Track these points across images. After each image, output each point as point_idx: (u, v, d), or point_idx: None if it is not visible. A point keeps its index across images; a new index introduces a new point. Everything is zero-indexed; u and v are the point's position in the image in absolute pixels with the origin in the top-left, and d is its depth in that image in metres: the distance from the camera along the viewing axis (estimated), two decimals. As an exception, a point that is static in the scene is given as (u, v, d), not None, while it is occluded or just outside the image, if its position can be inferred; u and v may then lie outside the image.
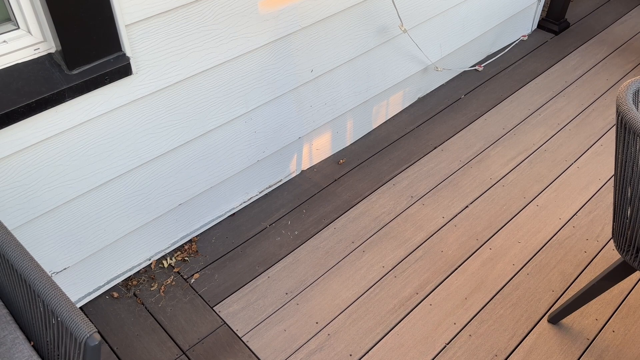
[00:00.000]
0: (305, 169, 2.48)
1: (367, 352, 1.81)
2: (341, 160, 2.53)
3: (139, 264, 2.04)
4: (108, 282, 1.98)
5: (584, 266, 2.05)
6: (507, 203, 2.30)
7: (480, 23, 2.89)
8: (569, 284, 1.99)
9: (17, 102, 1.35)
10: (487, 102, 2.86)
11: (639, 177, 1.33)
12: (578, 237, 2.16)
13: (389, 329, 1.87)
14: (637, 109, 1.38)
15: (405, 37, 2.46)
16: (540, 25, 3.44)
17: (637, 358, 1.77)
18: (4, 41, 1.36)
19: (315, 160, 2.51)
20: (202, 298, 1.97)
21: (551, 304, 1.93)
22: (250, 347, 1.82)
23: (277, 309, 1.93)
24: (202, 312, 1.92)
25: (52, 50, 1.44)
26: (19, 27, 1.39)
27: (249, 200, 2.31)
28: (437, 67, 2.71)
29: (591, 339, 1.82)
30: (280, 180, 2.39)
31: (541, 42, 3.32)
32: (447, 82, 3.00)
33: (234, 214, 2.28)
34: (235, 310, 1.93)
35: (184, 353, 1.81)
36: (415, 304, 1.94)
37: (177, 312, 1.93)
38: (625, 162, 1.35)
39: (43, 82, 1.40)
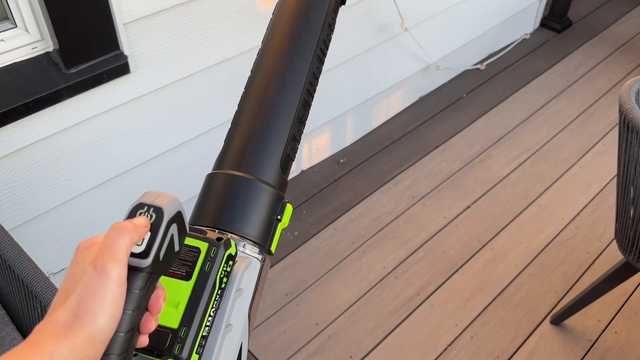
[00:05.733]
0: (305, 169, 2.47)
1: (368, 353, 1.79)
2: (341, 160, 2.52)
3: (138, 264, 2.03)
4: (107, 283, 1.97)
5: (587, 267, 2.04)
6: (509, 203, 2.29)
7: (482, 21, 2.88)
8: (571, 285, 1.98)
9: (15, 101, 1.34)
10: (488, 101, 2.85)
11: (643, 177, 1.31)
12: (580, 237, 2.14)
13: (389, 330, 1.86)
14: (641, 108, 1.36)
15: (406, 35, 2.45)
16: (542, 24, 3.43)
17: (639, 359, 1.76)
18: (1, 40, 1.35)
19: (315, 160, 2.49)
20: (201, 299, 1.96)
21: (553, 305, 1.91)
22: (250, 348, 1.81)
23: (276, 310, 1.92)
24: (202, 312, 1.91)
25: (50, 49, 1.43)
26: (16, 26, 1.38)
27: (249, 200, 2.29)
28: (438, 66, 2.70)
29: (594, 340, 1.81)
30: (280, 180, 2.38)
31: (543, 41, 3.30)
32: (449, 81, 2.99)
33: (234, 214, 2.26)
34: (235, 311, 1.92)
35: (184, 354, 1.80)
36: (416, 305, 1.93)
37: (176, 312, 1.91)
38: (628, 161, 1.34)
39: (41, 81, 1.39)
